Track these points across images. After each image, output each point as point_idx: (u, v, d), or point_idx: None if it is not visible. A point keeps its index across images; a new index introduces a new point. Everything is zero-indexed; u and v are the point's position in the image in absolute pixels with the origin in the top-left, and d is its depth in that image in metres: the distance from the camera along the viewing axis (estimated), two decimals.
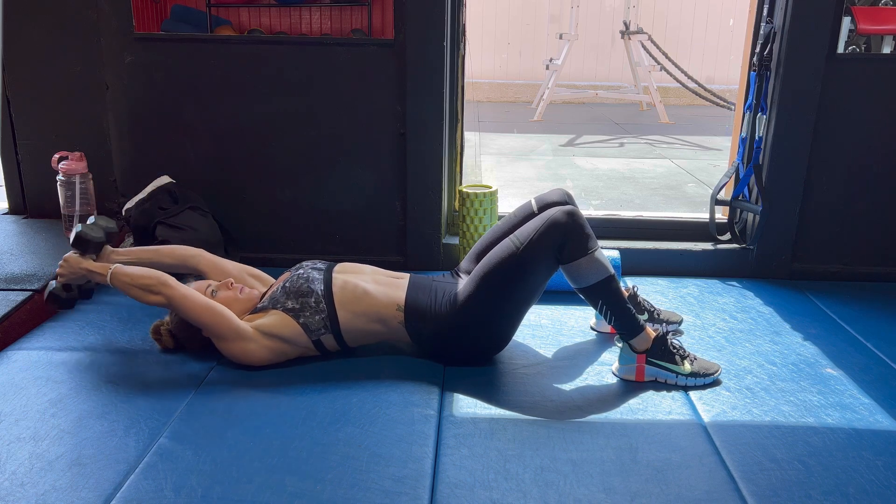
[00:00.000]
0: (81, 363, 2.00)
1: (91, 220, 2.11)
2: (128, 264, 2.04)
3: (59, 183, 2.68)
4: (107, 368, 1.98)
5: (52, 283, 2.09)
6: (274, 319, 1.97)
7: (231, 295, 2.03)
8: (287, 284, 2.03)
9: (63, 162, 2.66)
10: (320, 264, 2.12)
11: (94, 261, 2.05)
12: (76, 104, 2.83)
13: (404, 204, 2.83)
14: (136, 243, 2.65)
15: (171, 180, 2.77)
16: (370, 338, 2.06)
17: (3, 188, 3.06)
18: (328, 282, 2.02)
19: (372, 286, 2.03)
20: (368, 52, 2.73)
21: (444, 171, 2.85)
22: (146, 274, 1.93)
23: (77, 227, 2.05)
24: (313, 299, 1.98)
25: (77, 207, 2.68)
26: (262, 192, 2.86)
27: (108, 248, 2.11)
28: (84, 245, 2.04)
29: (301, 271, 2.06)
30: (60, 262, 2.04)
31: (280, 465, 1.58)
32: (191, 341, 2.04)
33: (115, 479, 1.52)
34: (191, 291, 1.93)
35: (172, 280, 1.93)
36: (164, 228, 2.63)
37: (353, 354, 2.06)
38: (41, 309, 2.27)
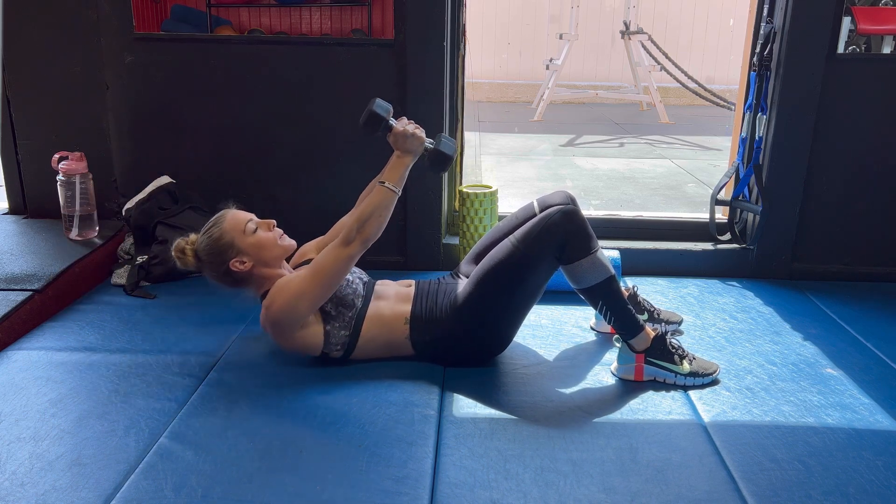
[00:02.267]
0: (81, 363, 2.00)
1: (449, 141, 2.01)
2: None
3: (59, 183, 2.68)
4: (107, 368, 1.98)
5: (389, 110, 1.96)
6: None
7: (272, 237, 1.98)
8: None
9: (63, 162, 2.66)
10: (365, 277, 2.10)
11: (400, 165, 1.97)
12: (76, 104, 2.83)
13: (404, 204, 2.82)
14: (136, 243, 2.65)
15: (171, 180, 2.77)
16: (372, 356, 2.03)
17: (3, 188, 3.06)
18: (367, 302, 2.00)
19: (388, 310, 2.01)
20: (368, 52, 2.73)
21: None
22: (382, 225, 1.90)
23: (448, 141, 1.98)
24: (350, 314, 1.96)
25: (77, 207, 2.68)
26: (262, 191, 2.86)
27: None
28: (443, 160, 1.97)
29: (351, 278, 2.02)
30: (418, 132, 1.94)
31: (280, 465, 1.58)
32: (213, 265, 1.95)
33: (115, 479, 1.52)
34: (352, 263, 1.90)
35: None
36: (164, 228, 2.64)
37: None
38: (41, 309, 2.27)
